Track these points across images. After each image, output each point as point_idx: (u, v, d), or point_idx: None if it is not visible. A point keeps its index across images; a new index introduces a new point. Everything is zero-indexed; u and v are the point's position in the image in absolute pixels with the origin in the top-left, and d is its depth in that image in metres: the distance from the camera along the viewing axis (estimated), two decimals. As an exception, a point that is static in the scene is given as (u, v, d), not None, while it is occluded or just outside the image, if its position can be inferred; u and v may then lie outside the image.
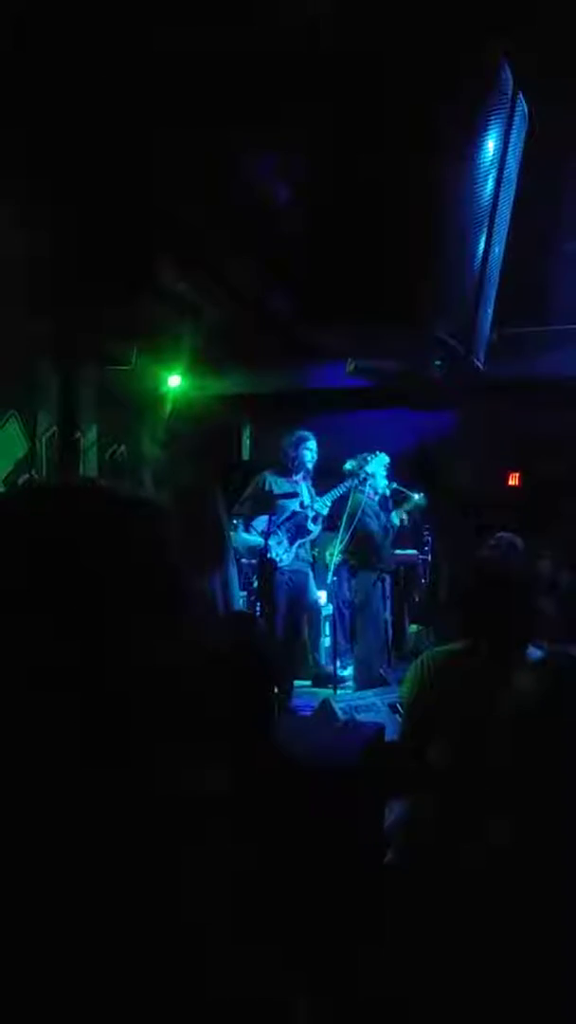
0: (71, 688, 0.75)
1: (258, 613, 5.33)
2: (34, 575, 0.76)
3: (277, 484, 5.70)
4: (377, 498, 6.17)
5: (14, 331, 4.88)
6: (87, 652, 0.75)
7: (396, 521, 6.27)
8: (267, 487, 5.66)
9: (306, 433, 5.81)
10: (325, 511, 5.82)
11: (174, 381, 6.39)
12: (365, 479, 6.03)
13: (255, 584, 5.47)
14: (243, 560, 5.61)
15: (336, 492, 5.92)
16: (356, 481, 5.96)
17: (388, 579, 6.20)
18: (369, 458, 6.12)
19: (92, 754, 0.75)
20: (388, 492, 6.22)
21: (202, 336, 5.89)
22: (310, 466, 5.82)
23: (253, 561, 5.58)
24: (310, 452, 5.79)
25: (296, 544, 5.75)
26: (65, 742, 0.74)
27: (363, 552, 6.00)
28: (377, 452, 6.14)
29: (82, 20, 2.89)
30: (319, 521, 5.82)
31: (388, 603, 6.24)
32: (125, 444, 6.60)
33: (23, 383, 5.51)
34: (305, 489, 5.79)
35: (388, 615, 6.27)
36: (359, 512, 5.90)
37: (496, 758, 1.53)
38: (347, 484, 5.95)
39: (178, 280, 5.20)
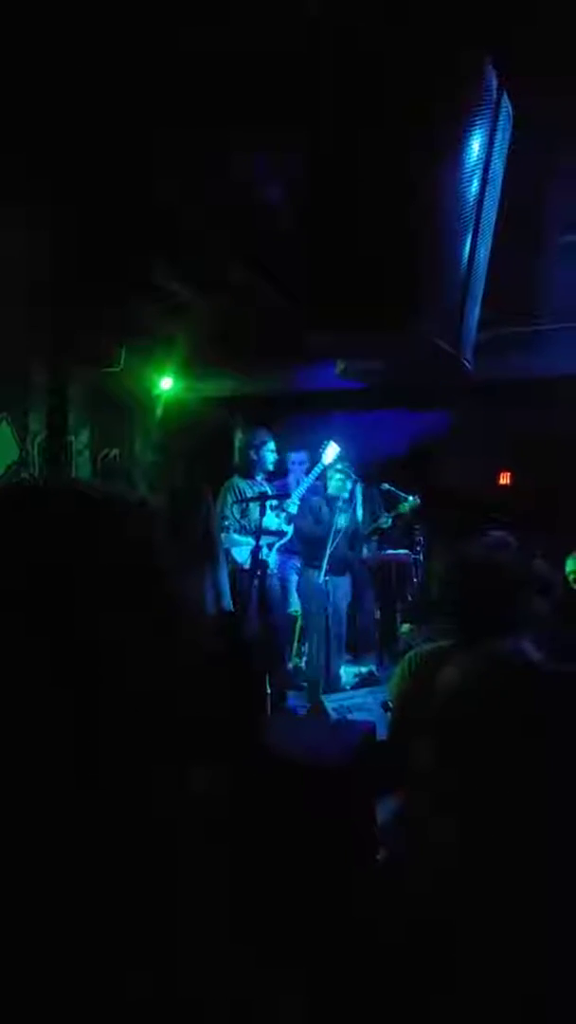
0: (47, 691, 0.75)
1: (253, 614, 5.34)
2: (20, 583, 0.76)
3: (251, 488, 5.74)
4: (327, 498, 6.08)
5: (5, 334, 4.88)
6: (61, 653, 0.75)
7: (346, 521, 6.13)
8: (240, 492, 5.70)
9: (266, 435, 5.87)
10: (295, 509, 5.82)
11: (166, 384, 6.40)
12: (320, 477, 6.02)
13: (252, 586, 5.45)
14: (237, 562, 5.60)
15: (300, 489, 5.92)
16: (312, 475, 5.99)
17: (343, 578, 6.11)
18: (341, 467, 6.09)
19: (76, 756, 0.75)
20: (344, 494, 6.11)
21: (194, 338, 5.90)
22: (271, 467, 5.89)
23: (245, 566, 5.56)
24: (272, 454, 5.84)
25: (276, 547, 5.77)
26: (47, 743, 0.74)
27: (303, 550, 6.01)
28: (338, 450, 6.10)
29: (82, 20, 2.90)
30: (291, 522, 5.83)
31: (337, 602, 6.09)
32: (117, 447, 6.60)
33: (14, 386, 5.51)
34: (270, 490, 5.83)
35: (342, 615, 6.17)
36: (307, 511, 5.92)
37: (473, 756, 1.54)
38: (307, 480, 5.96)
39: (171, 281, 5.20)
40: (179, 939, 0.74)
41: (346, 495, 6.05)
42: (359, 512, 6.15)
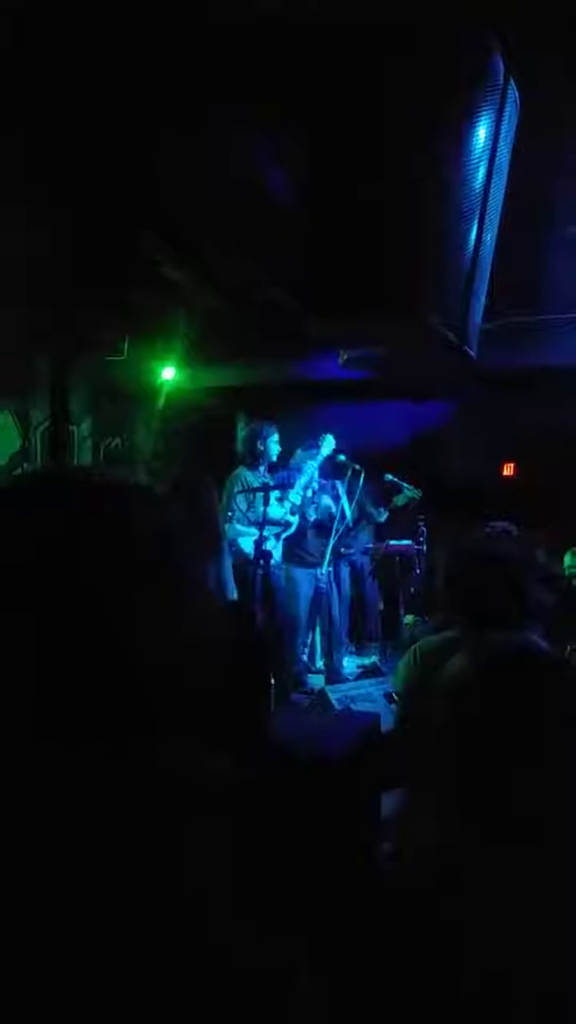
0: (69, 682, 0.75)
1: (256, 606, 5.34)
2: (31, 570, 0.76)
3: (257, 479, 5.73)
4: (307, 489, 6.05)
5: (7, 325, 4.87)
6: (67, 639, 0.75)
7: (316, 514, 6.10)
8: (246, 483, 5.70)
9: (271, 427, 5.84)
10: (299, 500, 5.81)
11: (168, 374, 6.38)
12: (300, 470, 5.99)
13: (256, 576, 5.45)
14: (242, 552, 5.59)
15: (303, 480, 5.90)
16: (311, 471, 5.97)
17: (326, 572, 6.08)
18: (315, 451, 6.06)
19: (91, 744, 0.75)
20: (314, 484, 6.08)
21: (196, 328, 5.88)
22: (274, 458, 5.86)
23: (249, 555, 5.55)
24: (276, 445, 5.83)
25: (281, 539, 5.77)
26: (63, 734, 0.75)
27: (287, 544, 6.02)
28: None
29: (80, 19, 2.88)
30: (296, 512, 5.82)
31: (327, 594, 6.11)
32: (119, 437, 6.60)
33: (17, 377, 5.50)
34: (271, 480, 5.81)
35: (334, 605, 6.16)
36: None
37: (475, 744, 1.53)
38: (308, 472, 5.94)
39: (173, 272, 5.19)
40: (178, 932, 0.73)
41: (315, 487, 6.03)
42: (346, 504, 6.10)
